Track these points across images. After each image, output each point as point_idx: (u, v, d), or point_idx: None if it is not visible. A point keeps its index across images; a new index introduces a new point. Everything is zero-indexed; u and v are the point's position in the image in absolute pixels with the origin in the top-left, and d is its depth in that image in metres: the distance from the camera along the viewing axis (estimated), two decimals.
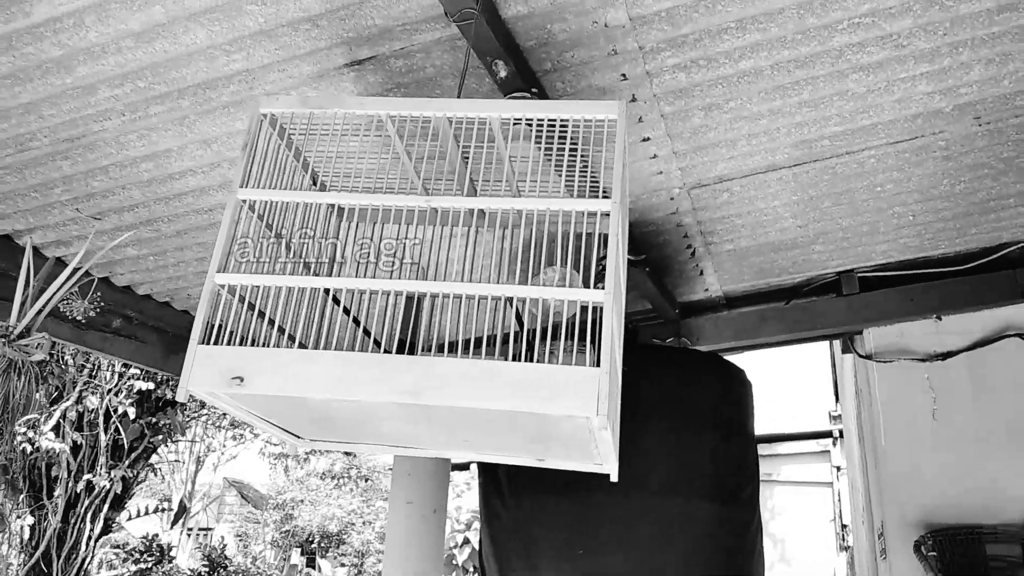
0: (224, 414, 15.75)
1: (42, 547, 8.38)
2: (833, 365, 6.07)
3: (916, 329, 3.62)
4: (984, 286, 3.47)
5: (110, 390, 7.59)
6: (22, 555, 8.96)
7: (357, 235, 1.63)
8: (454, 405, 1.22)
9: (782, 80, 2.26)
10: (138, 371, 7.92)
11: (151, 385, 8.00)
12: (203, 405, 11.59)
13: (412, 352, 1.55)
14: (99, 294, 2.65)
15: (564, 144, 1.67)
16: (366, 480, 23.56)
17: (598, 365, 1.27)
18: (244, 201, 1.44)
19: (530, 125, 1.64)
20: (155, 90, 2.16)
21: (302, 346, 1.38)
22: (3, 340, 2.02)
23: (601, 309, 1.33)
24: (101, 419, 8.40)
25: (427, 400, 1.22)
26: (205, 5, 1.86)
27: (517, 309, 1.48)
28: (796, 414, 9.93)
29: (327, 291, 1.46)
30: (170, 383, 9.05)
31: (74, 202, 2.68)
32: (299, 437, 1.66)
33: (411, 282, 1.34)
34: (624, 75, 2.20)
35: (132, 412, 7.81)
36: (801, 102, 2.37)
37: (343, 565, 25.82)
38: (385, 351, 1.54)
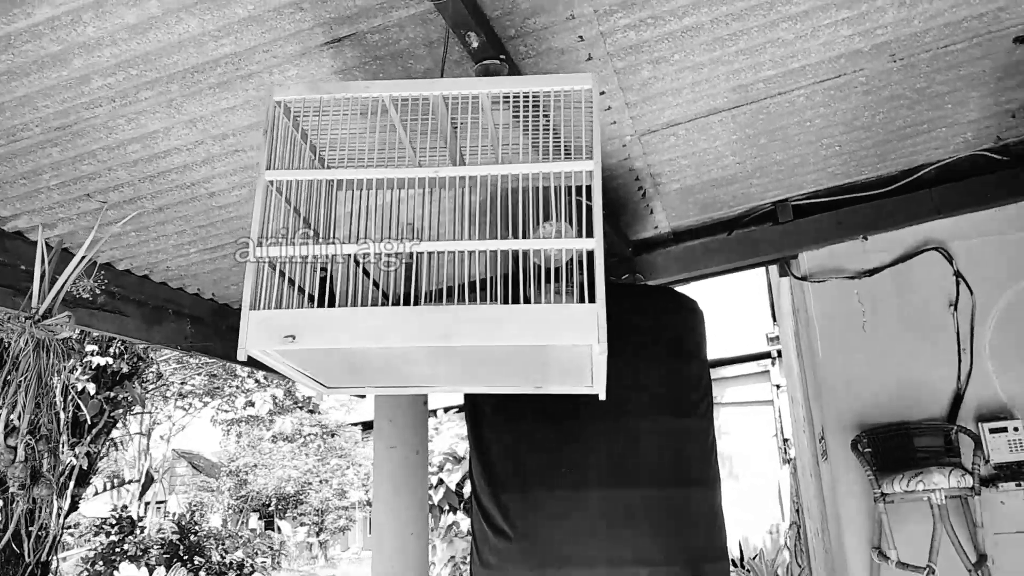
0: (170, 387, 15.67)
1: (11, 528, 8.40)
2: (770, 289, 6.49)
3: (845, 249, 4.00)
4: (905, 205, 3.84)
5: (68, 366, 7.58)
6: None
7: (353, 203, 1.84)
8: (480, 344, 1.46)
9: (720, 32, 2.50)
10: (95, 346, 7.92)
11: (108, 360, 8.01)
12: (159, 377, 11.59)
13: (416, 302, 1.77)
14: (103, 273, 2.78)
15: (536, 110, 1.90)
16: (333, 436, 23.73)
17: (594, 301, 1.52)
18: (271, 182, 1.62)
19: (507, 98, 1.86)
20: (146, 77, 2.28)
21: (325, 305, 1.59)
22: (30, 321, 2.17)
23: (592, 253, 1.58)
24: (59, 396, 8.35)
25: (457, 341, 1.46)
26: None
27: (516, 258, 1.71)
28: (736, 338, 10.48)
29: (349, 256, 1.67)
30: (125, 356, 9.06)
31: (62, 187, 2.78)
32: (324, 385, 1.88)
33: (434, 243, 1.56)
34: (581, 36, 2.41)
35: (92, 388, 7.83)
36: (738, 51, 2.62)
37: (303, 524, 26.14)
38: (393, 303, 1.77)
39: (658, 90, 2.79)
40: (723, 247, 4.18)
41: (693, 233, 4.23)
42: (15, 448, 2.07)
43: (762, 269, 5.84)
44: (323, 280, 1.71)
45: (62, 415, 2.33)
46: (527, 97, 1.86)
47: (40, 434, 2.13)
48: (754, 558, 5.60)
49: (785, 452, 9.34)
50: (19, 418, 2.09)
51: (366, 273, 1.74)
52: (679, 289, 4.03)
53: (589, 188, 1.74)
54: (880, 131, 3.29)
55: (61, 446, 2.27)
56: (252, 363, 1.72)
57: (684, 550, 3.07)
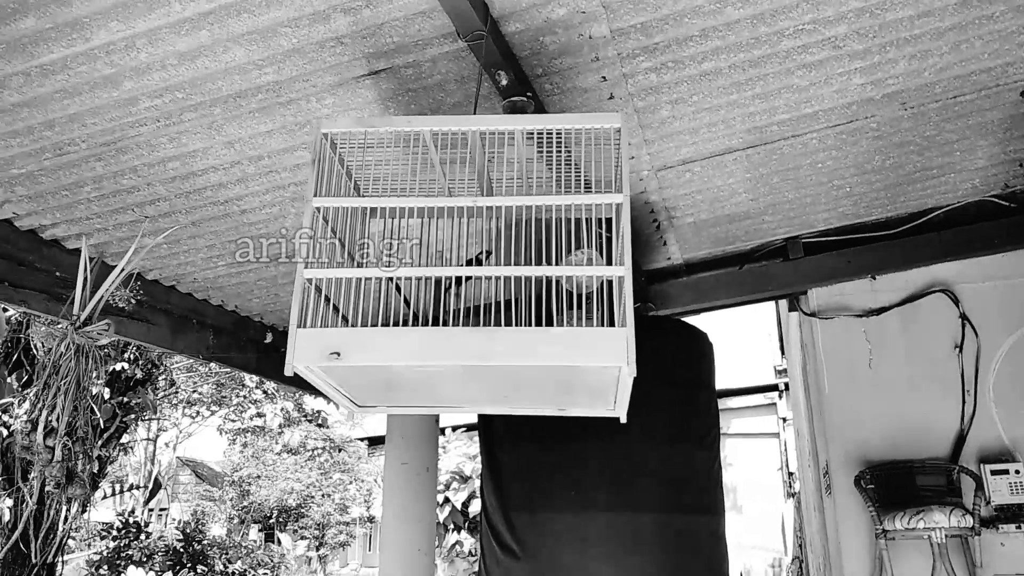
0: (178, 394, 15.80)
1: (19, 529, 8.50)
2: (779, 322, 6.57)
3: (854, 288, 4.09)
4: (913, 247, 3.93)
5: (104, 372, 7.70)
6: (0, 538, 9.07)
7: (384, 229, 1.95)
8: (515, 364, 1.56)
9: (738, 78, 2.62)
10: (111, 351, 8.04)
11: (124, 365, 8.13)
12: (172, 384, 11.71)
13: (444, 323, 1.87)
14: (139, 284, 2.90)
15: (560, 146, 2.01)
16: (340, 450, 23.78)
17: (624, 325, 1.62)
18: (318, 209, 1.74)
19: (532, 134, 1.98)
20: (191, 100, 2.41)
21: (357, 324, 1.70)
22: (72, 328, 2.28)
23: (621, 280, 1.69)
24: (87, 395, 8.45)
25: (495, 361, 1.56)
26: (246, 28, 2.12)
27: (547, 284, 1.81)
28: (744, 370, 10.54)
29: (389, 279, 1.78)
30: (139, 363, 9.18)
31: (101, 199, 2.91)
32: (357, 404, 1.98)
33: (476, 268, 1.66)
34: (604, 77, 2.53)
35: (106, 392, 7.94)
36: (754, 95, 2.73)
37: (303, 538, 26.11)
38: (422, 323, 1.88)
39: (676, 129, 2.91)
40: (734, 280, 4.28)
41: (705, 265, 4.33)
42: (53, 448, 2.17)
43: (772, 302, 5.94)
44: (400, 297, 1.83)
45: (95, 416, 2.44)
46: (554, 133, 1.98)
47: (76, 436, 2.23)
48: None
49: (790, 485, 9.35)
50: (58, 420, 2.19)
51: (406, 302, 1.85)
52: (689, 320, 4.13)
53: (610, 220, 1.86)
54: (890, 175, 3.40)
55: (93, 447, 2.37)
56: (289, 380, 1.81)
57: (686, 574, 3.13)
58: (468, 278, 1.72)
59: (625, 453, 3.17)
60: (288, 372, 1.58)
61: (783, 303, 5.15)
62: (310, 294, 1.65)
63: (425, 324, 1.80)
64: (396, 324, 1.69)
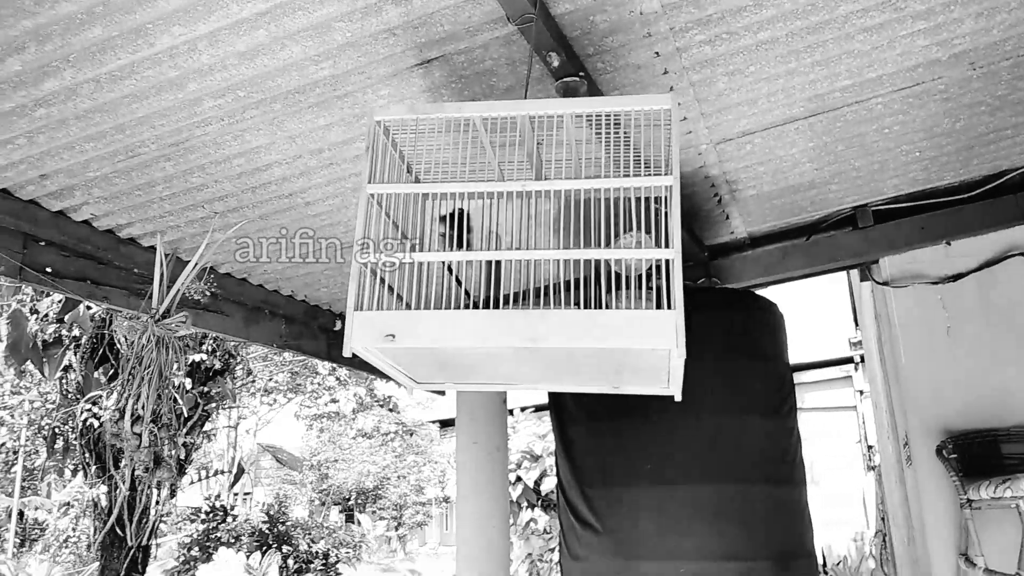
0: (255, 383, 16.34)
1: (115, 514, 8.99)
2: (851, 293, 6.39)
3: (928, 255, 3.95)
4: (988, 211, 3.77)
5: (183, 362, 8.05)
6: (96, 522, 9.61)
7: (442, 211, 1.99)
8: (565, 346, 1.58)
9: (796, 45, 2.55)
10: (190, 343, 8.38)
11: (203, 356, 8.47)
12: (249, 373, 12.14)
13: (498, 304, 1.90)
14: (212, 277, 3.03)
15: (616, 127, 2.01)
16: (411, 434, 24.28)
17: (671, 308, 1.62)
18: (372, 195, 1.78)
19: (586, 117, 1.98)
20: (252, 98, 2.49)
21: (410, 306, 1.74)
22: (152, 321, 2.40)
23: (670, 263, 1.68)
24: (169, 384, 8.87)
25: (544, 344, 1.58)
26: (301, 25, 2.18)
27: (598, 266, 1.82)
28: (817, 343, 10.29)
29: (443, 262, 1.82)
30: (217, 353, 9.55)
31: (173, 197, 3.03)
32: (415, 380, 2.04)
33: (524, 252, 1.69)
34: (657, 52, 2.50)
35: (188, 383, 8.29)
36: (813, 62, 2.66)
37: (382, 519, 26.84)
38: (475, 304, 1.91)
39: (733, 101, 2.85)
40: (801, 252, 4.18)
41: (771, 238, 4.24)
42: (140, 435, 2.30)
43: (843, 273, 5.78)
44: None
45: (178, 403, 2.56)
46: (607, 116, 1.97)
47: (161, 423, 2.36)
48: (838, 564, 5.54)
49: (869, 459, 9.13)
50: (143, 408, 2.32)
51: (458, 281, 1.89)
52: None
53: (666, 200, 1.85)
54: (962, 137, 3.26)
55: (178, 433, 2.49)
56: (345, 360, 1.87)
57: (771, 546, 3.11)
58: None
59: (699, 426, 3.16)
60: (347, 353, 1.64)
61: (854, 273, 5.01)
62: (366, 278, 1.70)
63: (479, 306, 1.83)
64: (452, 306, 1.72)
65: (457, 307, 1.80)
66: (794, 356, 3.89)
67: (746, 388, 3.28)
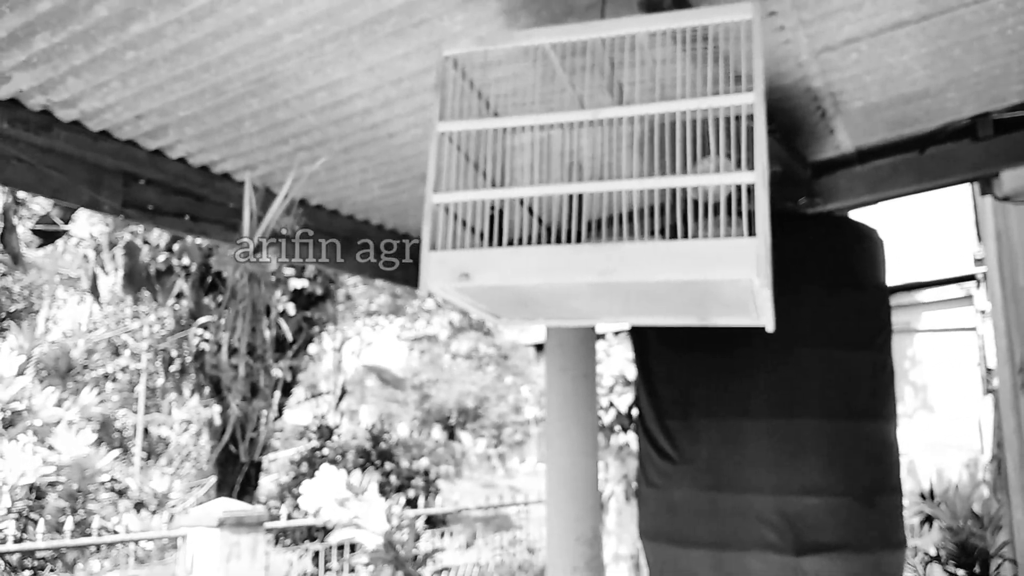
0: (358, 306, 16.89)
1: (228, 432, 9.62)
2: (975, 207, 5.98)
3: None
4: None
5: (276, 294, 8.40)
6: (212, 440, 10.31)
7: (519, 143, 1.92)
8: (637, 280, 1.52)
9: None
10: (292, 271, 8.71)
11: (305, 283, 8.78)
12: (348, 298, 12.56)
13: (580, 237, 1.84)
14: (302, 211, 3.09)
15: (704, 41, 1.87)
16: (506, 358, 24.81)
17: (754, 235, 1.53)
18: (444, 133, 1.74)
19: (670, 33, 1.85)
20: (329, 31, 2.46)
21: (509, 243, 1.71)
22: (244, 257, 2.48)
23: (753, 187, 1.59)
24: (263, 317, 9.32)
25: (617, 278, 1.53)
26: None
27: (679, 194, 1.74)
28: (936, 259, 9.68)
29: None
30: (318, 280, 9.89)
31: (261, 133, 3.08)
32: (499, 317, 2.03)
33: (594, 183, 1.62)
34: None
35: (292, 309, 8.64)
36: None
37: (482, 437, 27.77)
38: (555, 238, 1.86)
39: (836, 6, 2.63)
40: (914, 166, 3.89)
41: (880, 152, 3.96)
42: (237, 366, 2.40)
43: (967, 186, 5.39)
44: (492, 218, 1.83)
45: (267, 336, 2.66)
46: (690, 30, 1.85)
47: (256, 354, 2.45)
48: (947, 491, 5.36)
49: (988, 382, 8.69)
50: (239, 340, 2.42)
51: (530, 211, 1.84)
52: (865, 212, 3.83)
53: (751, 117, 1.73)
54: None
55: (272, 364, 2.58)
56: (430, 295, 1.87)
57: (855, 481, 3.02)
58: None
59: (784, 357, 3.05)
60: (422, 294, 1.64)
61: (977, 186, 4.66)
62: (439, 217, 1.68)
63: (558, 240, 1.78)
64: (528, 241, 1.68)
65: (532, 241, 1.76)
66: (909, 274, 3.67)
67: (835, 320, 3.13)
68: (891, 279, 3.56)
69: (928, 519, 5.27)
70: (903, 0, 2.62)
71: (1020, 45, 2.95)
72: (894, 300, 3.54)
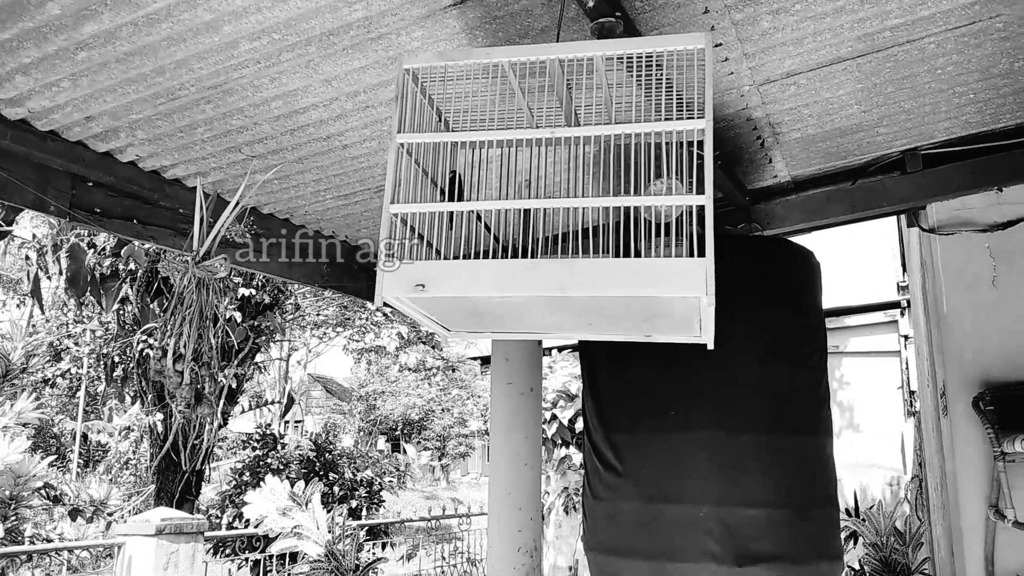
0: (305, 317, 16.72)
1: (170, 440, 9.42)
2: (900, 238, 6.25)
3: (978, 201, 3.83)
4: None
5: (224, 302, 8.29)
6: (153, 447, 10.08)
7: (472, 159, 1.99)
8: (592, 295, 1.59)
9: None
10: (240, 279, 8.60)
11: (252, 291, 8.68)
12: (297, 308, 12.43)
13: (532, 252, 1.91)
14: (252, 219, 3.09)
15: (652, 68, 1.97)
16: (453, 370, 24.77)
17: (703, 255, 1.62)
18: (402, 144, 1.79)
19: (621, 58, 1.94)
20: (287, 40, 2.49)
21: (443, 256, 1.77)
22: (192, 263, 2.47)
23: (702, 209, 1.67)
24: (210, 323, 9.19)
25: (572, 292, 1.59)
26: None
27: (628, 214, 1.82)
28: (862, 287, 10.08)
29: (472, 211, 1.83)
30: (266, 288, 9.77)
31: (214, 139, 3.08)
32: (448, 329, 2.07)
33: (550, 200, 1.69)
34: None
35: (238, 316, 8.53)
36: (862, 0, 2.55)
37: (426, 449, 27.62)
38: (511, 252, 1.92)
39: (778, 40, 2.76)
40: (847, 196, 4.08)
41: (815, 182, 4.13)
42: (182, 372, 2.39)
43: (894, 218, 5.63)
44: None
45: (213, 343, 2.65)
46: (642, 57, 1.94)
47: (202, 360, 2.45)
48: (871, 508, 5.56)
49: (911, 405, 9.04)
50: (184, 346, 2.41)
51: (487, 227, 1.90)
52: (798, 239, 3.99)
53: (701, 143, 1.82)
54: (1020, 78, 3.11)
55: (218, 371, 2.59)
56: (384, 304, 1.91)
57: (793, 494, 3.13)
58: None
59: (726, 373, 3.16)
60: (377, 303, 1.68)
61: (904, 218, 4.88)
62: (396, 228, 1.73)
63: (513, 253, 1.85)
64: (482, 255, 1.74)
65: (488, 256, 1.82)
66: (839, 299, 3.84)
67: (775, 338, 3.26)
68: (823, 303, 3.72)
69: (853, 535, 5.46)
70: (841, 38, 2.77)
71: (948, 84, 3.14)
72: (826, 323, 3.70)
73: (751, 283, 3.29)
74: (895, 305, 9.46)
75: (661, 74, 2.00)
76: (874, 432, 9.74)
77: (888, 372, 9.79)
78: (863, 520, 5.47)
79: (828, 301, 3.85)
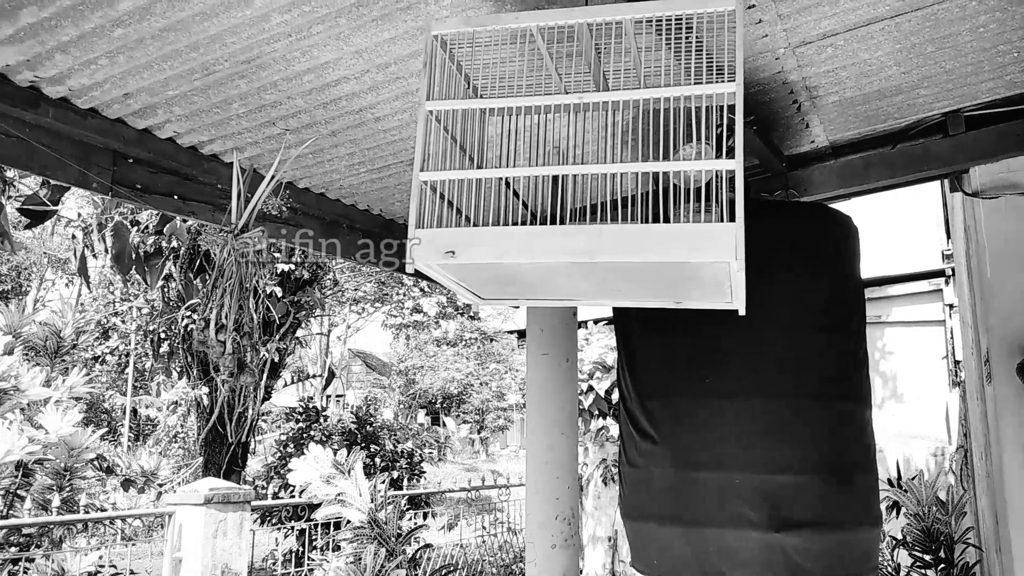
0: (345, 292, 16.93)
1: (216, 412, 9.66)
2: (944, 204, 6.10)
3: (1022, 164, 3.72)
4: None
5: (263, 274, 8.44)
6: (199, 420, 10.34)
7: (504, 128, 1.99)
8: (620, 260, 1.60)
9: None
10: (279, 254, 8.74)
11: (292, 267, 8.81)
12: (335, 283, 12.59)
13: (563, 220, 1.92)
14: (288, 193, 3.14)
15: (686, 32, 1.95)
16: (492, 341, 24.92)
17: (733, 220, 1.61)
18: (431, 112, 1.81)
19: (652, 21, 1.92)
20: (317, 12, 2.51)
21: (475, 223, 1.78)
22: (231, 236, 2.53)
23: (733, 174, 1.66)
24: (250, 295, 9.36)
25: (600, 258, 1.60)
26: None
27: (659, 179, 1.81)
28: (907, 255, 9.88)
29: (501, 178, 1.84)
30: (305, 264, 9.91)
31: (249, 114, 3.12)
32: (480, 297, 2.09)
33: (579, 167, 1.69)
34: None
35: (279, 291, 8.67)
36: None
37: (465, 422, 27.90)
38: (540, 221, 1.93)
39: (813, 1, 2.71)
40: (886, 161, 3.99)
41: (853, 147, 4.05)
42: (224, 342, 2.46)
43: (937, 183, 5.51)
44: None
45: (255, 315, 2.71)
46: (672, 20, 1.92)
47: (243, 331, 2.51)
48: (913, 479, 5.51)
49: (956, 375, 8.88)
50: (226, 317, 2.47)
51: (516, 194, 1.91)
52: (838, 206, 3.92)
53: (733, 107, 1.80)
54: None
55: (259, 341, 2.65)
56: (417, 275, 1.94)
57: (829, 460, 3.11)
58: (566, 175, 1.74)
59: (761, 339, 3.14)
60: (409, 270, 1.70)
61: (947, 183, 4.77)
62: (426, 196, 1.74)
63: (543, 222, 1.86)
64: (514, 223, 1.75)
65: (516, 223, 1.83)
66: (882, 268, 3.78)
67: (810, 303, 3.22)
68: (863, 272, 3.66)
69: (895, 505, 5.41)
70: None
71: (991, 43, 3.04)
72: (867, 293, 3.64)
73: (786, 248, 3.26)
74: (939, 274, 9.26)
75: (692, 37, 1.98)
76: (918, 403, 9.59)
77: (932, 342, 9.61)
78: (905, 491, 5.41)
79: (871, 270, 3.79)
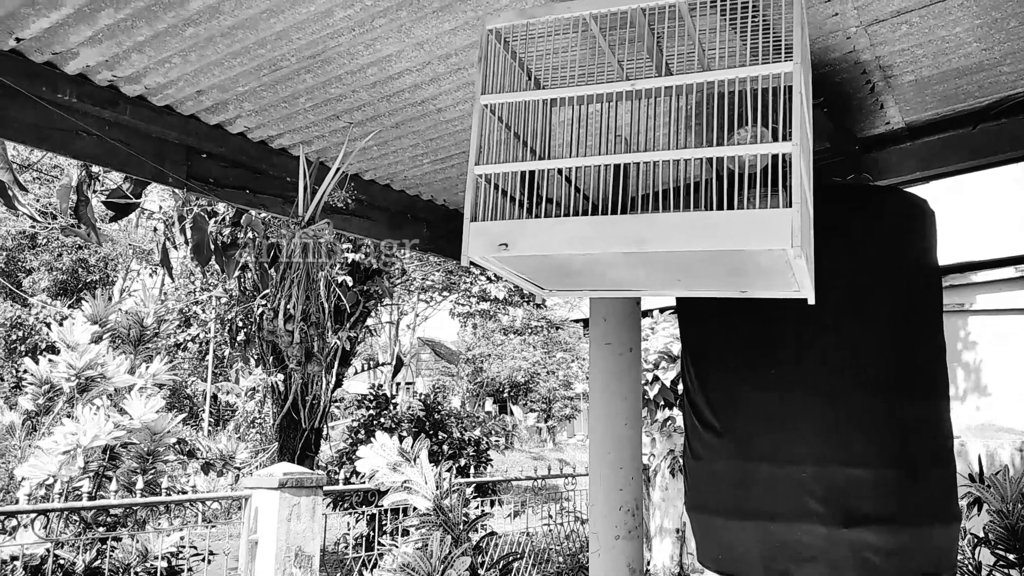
0: (413, 281, 17.16)
1: (290, 399, 9.95)
2: None
3: None
4: None
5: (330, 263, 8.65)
6: (275, 406, 10.67)
7: (563, 117, 1.98)
8: (671, 250, 1.58)
9: None
10: (349, 244, 8.91)
11: (360, 256, 8.98)
12: (403, 272, 12.79)
13: (624, 210, 1.90)
14: (353, 185, 3.20)
15: (747, 11, 1.90)
16: (557, 329, 24.95)
17: (790, 206, 1.57)
18: (486, 106, 1.81)
19: (713, 3, 1.88)
20: (379, 6, 2.54)
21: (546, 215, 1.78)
22: (298, 228, 2.60)
23: (789, 157, 1.62)
24: (322, 288, 9.60)
25: (650, 248, 1.58)
26: None
27: (717, 164, 1.78)
28: (991, 240, 9.42)
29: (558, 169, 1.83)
30: (374, 254, 10.08)
31: (315, 108, 3.19)
32: (543, 288, 2.10)
33: (637, 154, 1.67)
34: None
35: (349, 280, 8.85)
36: None
37: (532, 411, 28.01)
38: (601, 211, 1.92)
39: None
40: (967, 142, 3.82)
41: (932, 128, 3.89)
42: (292, 332, 2.52)
43: (1022, 164, 5.23)
44: (532, 189, 1.90)
45: (326, 305, 2.78)
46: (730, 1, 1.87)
47: (311, 320, 2.57)
48: (997, 474, 5.28)
49: None
50: (294, 307, 2.54)
51: (576, 188, 1.90)
52: (916, 190, 3.77)
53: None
54: None
55: (327, 331, 2.71)
56: (478, 266, 1.95)
57: (901, 454, 3.01)
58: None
59: (830, 331, 3.05)
60: (464, 263, 1.72)
61: None
62: (482, 188, 1.75)
63: (596, 212, 1.84)
64: (568, 213, 1.74)
65: (575, 214, 1.82)
66: (964, 254, 3.62)
67: (883, 293, 3.11)
68: (944, 258, 3.50)
69: (977, 501, 5.19)
70: None
71: None
72: (947, 280, 3.49)
73: (858, 235, 3.15)
74: None
75: (759, 18, 1.94)
76: (1004, 395, 9.17)
77: (1019, 331, 9.17)
78: (988, 486, 5.19)
79: (952, 256, 3.64)
